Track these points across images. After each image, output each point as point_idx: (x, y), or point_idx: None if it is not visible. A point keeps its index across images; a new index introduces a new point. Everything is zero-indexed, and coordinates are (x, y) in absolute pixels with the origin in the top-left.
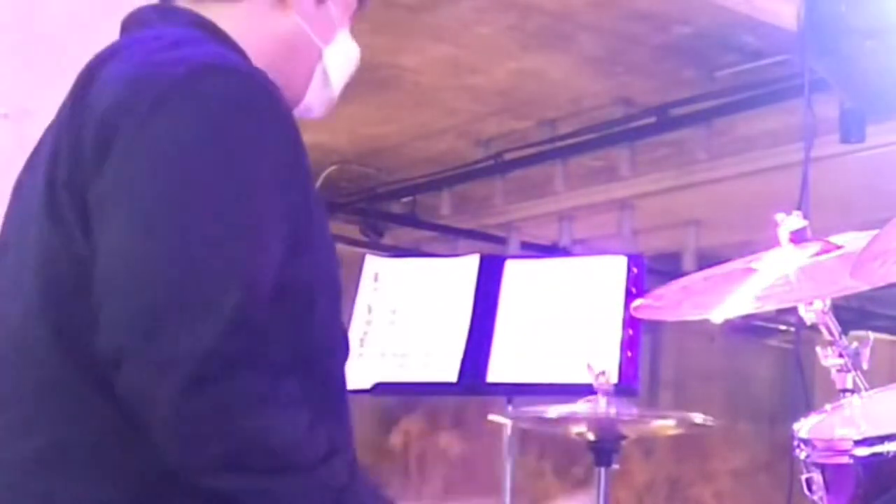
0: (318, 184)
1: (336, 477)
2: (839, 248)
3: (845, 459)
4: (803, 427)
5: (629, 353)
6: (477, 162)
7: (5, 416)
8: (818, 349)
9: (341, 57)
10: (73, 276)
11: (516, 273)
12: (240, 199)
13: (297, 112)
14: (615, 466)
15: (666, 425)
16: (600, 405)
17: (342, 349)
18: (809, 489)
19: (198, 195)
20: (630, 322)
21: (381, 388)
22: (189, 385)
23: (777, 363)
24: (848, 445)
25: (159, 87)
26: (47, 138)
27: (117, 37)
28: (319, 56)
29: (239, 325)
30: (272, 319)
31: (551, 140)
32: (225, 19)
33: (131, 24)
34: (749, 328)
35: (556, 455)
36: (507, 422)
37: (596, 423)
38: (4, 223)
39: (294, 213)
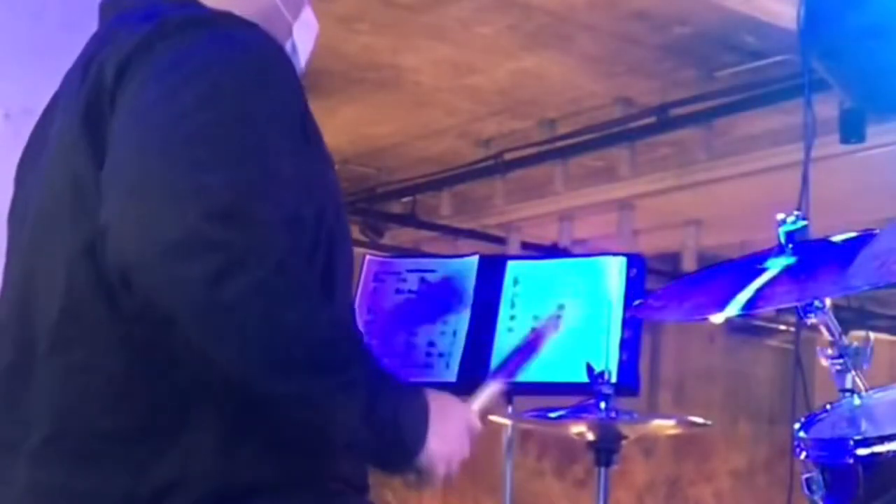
0: None
1: (370, 377)
2: (839, 247)
3: (845, 459)
4: (803, 427)
5: (629, 354)
6: (477, 162)
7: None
8: (818, 349)
9: (306, 31)
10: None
11: (516, 273)
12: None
13: None
14: (615, 466)
15: (666, 425)
16: (600, 405)
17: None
18: (809, 489)
19: (207, 121)
20: (630, 322)
21: None
22: (221, 271)
23: (777, 363)
24: (848, 445)
25: (156, 35)
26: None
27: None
28: (290, 31)
29: (271, 223)
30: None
31: (551, 140)
32: None
33: (108, 9)
34: (749, 328)
35: (556, 455)
36: (507, 422)
37: (596, 423)
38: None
39: (301, 156)
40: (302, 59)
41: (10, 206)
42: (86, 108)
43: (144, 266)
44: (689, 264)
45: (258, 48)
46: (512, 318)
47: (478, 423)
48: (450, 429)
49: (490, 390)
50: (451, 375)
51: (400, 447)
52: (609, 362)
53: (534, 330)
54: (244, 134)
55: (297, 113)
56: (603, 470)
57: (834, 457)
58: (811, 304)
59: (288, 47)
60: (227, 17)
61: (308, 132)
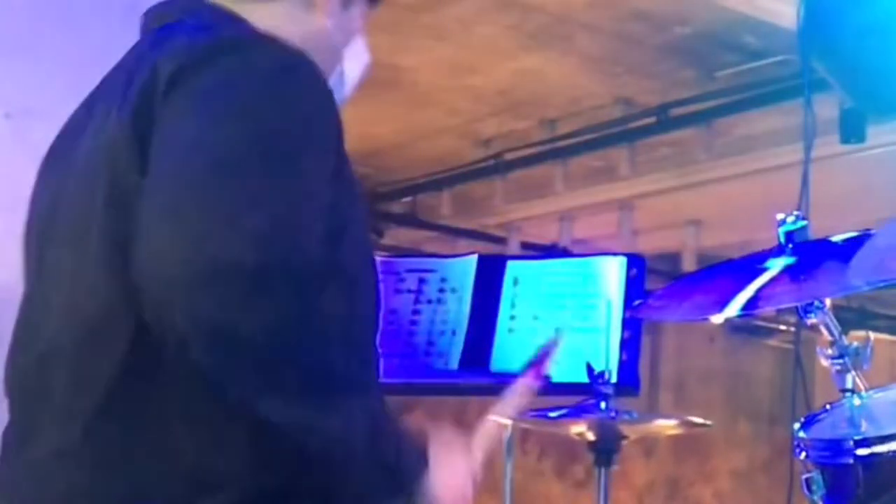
0: None
1: (385, 455)
2: (839, 247)
3: (845, 459)
4: (803, 427)
5: (629, 354)
6: (477, 162)
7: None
8: (818, 349)
9: (357, 60)
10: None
11: (516, 273)
12: (288, 159)
13: None
14: (615, 466)
15: (666, 425)
16: (600, 405)
17: (376, 333)
18: (809, 489)
19: (245, 153)
20: (630, 322)
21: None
22: (243, 304)
23: (777, 363)
24: (848, 445)
25: (213, 49)
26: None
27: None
28: (339, 58)
29: (302, 262)
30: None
31: (551, 140)
32: (256, 18)
33: (153, 19)
34: (749, 328)
35: (556, 455)
36: (507, 422)
37: (596, 423)
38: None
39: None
40: (348, 87)
41: (31, 207)
42: (135, 110)
43: (165, 287)
44: (689, 264)
45: (305, 76)
46: (512, 318)
47: (478, 468)
48: (449, 474)
49: (489, 430)
50: (451, 375)
51: (398, 490)
52: (609, 362)
53: (532, 362)
54: (284, 170)
55: (334, 143)
56: (603, 470)
57: (834, 457)
58: (811, 304)
59: (336, 73)
60: (275, 42)
61: (342, 160)
